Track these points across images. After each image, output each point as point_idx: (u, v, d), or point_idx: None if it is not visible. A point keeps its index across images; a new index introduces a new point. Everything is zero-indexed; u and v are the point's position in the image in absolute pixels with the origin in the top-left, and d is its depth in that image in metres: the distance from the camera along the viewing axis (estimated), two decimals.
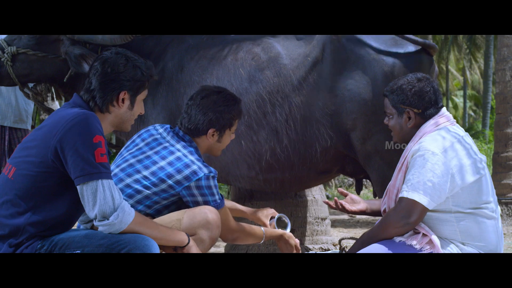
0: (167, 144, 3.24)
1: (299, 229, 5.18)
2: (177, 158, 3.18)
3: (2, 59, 4.38)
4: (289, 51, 4.24)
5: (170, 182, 3.12)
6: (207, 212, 3.11)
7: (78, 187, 2.56)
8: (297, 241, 3.58)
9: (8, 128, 5.54)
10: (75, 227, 2.92)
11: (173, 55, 4.46)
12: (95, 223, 2.58)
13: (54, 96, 6.16)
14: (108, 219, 2.55)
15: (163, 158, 3.18)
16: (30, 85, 4.71)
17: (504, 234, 7.26)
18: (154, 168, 3.17)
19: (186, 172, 3.13)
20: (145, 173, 3.17)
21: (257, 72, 4.22)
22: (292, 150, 4.19)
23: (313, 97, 4.13)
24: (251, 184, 4.45)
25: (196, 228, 3.07)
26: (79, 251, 2.57)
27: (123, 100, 2.77)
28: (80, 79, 4.43)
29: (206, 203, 3.14)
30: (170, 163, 3.16)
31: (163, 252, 2.89)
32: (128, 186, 3.16)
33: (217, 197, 3.18)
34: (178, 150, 3.21)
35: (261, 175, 4.32)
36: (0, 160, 5.44)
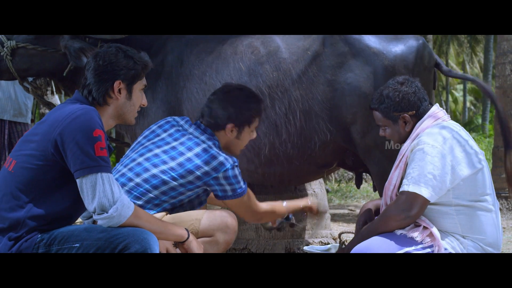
0: (191, 136, 3.26)
1: (299, 223, 5.18)
2: (204, 149, 3.19)
3: (1, 54, 4.38)
4: (288, 45, 4.23)
5: (198, 173, 3.15)
6: (227, 216, 3.15)
7: (77, 180, 2.57)
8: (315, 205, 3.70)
9: (7, 122, 5.54)
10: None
11: (173, 48, 4.46)
12: (94, 216, 2.58)
13: (54, 90, 6.16)
14: (107, 212, 2.56)
15: (190, 149, 3.20)
16: (30, 79, 4.71)
17: (504, 228, 7.26)
18: (181, 159, 3.18)
19: (214, 163, 3.15)
20: (172, 164, 3.18)
21: (257, 66, 4.22)
22: (291, 144, 4.19)
23: (312, 91, 4.13)
24: (250, 178, 4.45)
25: (214, 230, 3.11)
26: (78, 244, 2.58)
27: (119, 90, 2.78)
28: (80, 73, 4.42)
29: (233, 191, 3.20)
30: (197, 155, 3.18)
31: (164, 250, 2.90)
32: (154, 176, 3.17)
33: (242, 183, 3.23)
34: (203, 142, 3.23)
35: (260, 169, 4.32)
36: None
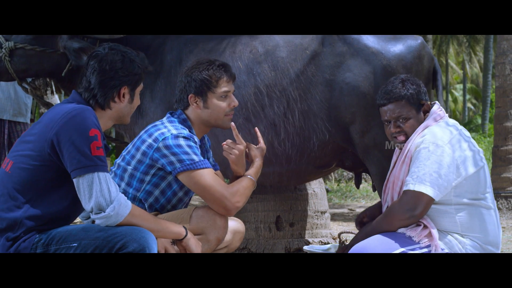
0: (158, 123, 3.23)
1: (299, 223, 5.18)
2: (154, 125, 3.19)
3: (0, 55, 4.37)
4: (287, 44, 4.23)
5: (143, 148, 3.12)
6: (215, 213, 3.10)
7: (74, 180, 2.57)
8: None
9: (7, 122, 5.54)
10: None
11: (172, 48, 4.46)
12: (92, 216, 2.59)
13: (54, 90, 6.16)
14: (104, 212, 2.56)
15: (146, 131, 3.19)
16: (29, 79, 4.71)
17: (504, 228, 7.26)
18: (135, 140, 3.20)
19: (155, 134, 3.11)
20: (129, 147, 3.20)
21: (255, 65, 4.21)
22: (290, 143, 4.19)
23: (311, 91, 4.12)
24: None
25: (203, 227, 3.07)
26: (76, 244, 2.58)
27: (123, 95, 2.79)
28: (79, 73, 4.42)
29: (180, 162, 3.06)
30: (146, 131, 3.17)
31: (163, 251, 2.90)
32: (118, 166, 3.21)
33: (193, 156, 3.07)
34: (162, 123, 3.21)
35: None
36: None
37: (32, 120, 5.88)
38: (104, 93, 2.76)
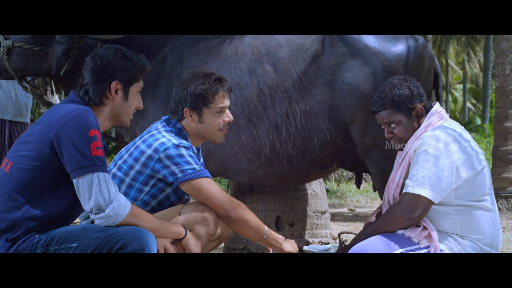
0: (155, 132, 3.22)
1: (299, 223, 5.18)
2: (151, 135, 3.17)
3: None
4: (288, 44, 4.22)
5: (142, 159, 3.11)
6: (204, 208, 3.10)
7: (74, 180, 2.57)
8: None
9: (8, 122, 5.54)
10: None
11: (173, 48, 4.45)
12: (91, 216, 2.59)
13: (54, 89, 6.15)
14: (103, 212, 2.56)
15: (144, 141, 3.17)
16: (28, 78, 4.71)
17: (504, 228, 7.26)
18: (132, 149, 3.17)
19: (155, 144, 3.10)
20: (125, 156, 3.18)
21: (258, 66, 4.21)
22: (292, 144, 4.19)
23: (312, 91, 4.12)
24: (250, 178, 4.45)
25: (192, 224, 3.07)
26: (75, 244, 2.58)
27: (116, 91, 2.79)
28: (78, 73, 4.41)
29: (182, 172, 3.07)
30: (143, 141, 3.16)
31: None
32: (114, 175, 3.18)
33: (194, 165, 3.09)
34: (159, 132, 3.19)
35: (260, 169, 4.31)
36: (0, 154, 5.44)
37: (32, 120, 5.89)
38: (95, 88, 2.76)
